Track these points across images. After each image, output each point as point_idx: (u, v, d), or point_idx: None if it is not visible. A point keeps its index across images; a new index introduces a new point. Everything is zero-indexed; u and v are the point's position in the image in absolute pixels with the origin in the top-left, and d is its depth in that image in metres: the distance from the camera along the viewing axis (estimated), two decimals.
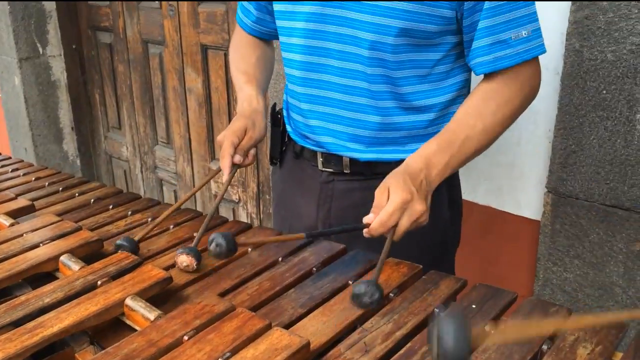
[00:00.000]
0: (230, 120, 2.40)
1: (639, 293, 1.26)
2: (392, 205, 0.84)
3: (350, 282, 0.85)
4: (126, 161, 3.03)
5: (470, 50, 0.95)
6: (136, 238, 0.95)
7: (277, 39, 1.20)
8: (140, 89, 2.76)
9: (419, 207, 0.86)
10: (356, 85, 0.98)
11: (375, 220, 0.85)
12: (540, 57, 0.98)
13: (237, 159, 1.02)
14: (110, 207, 1.14)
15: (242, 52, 1.21)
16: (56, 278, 0.86)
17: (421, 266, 0.88)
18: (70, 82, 3.03)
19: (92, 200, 1.17)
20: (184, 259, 0.87)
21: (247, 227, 1.05)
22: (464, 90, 1.04)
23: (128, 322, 0.76)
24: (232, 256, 0.85)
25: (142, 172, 2.95)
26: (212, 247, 0.83)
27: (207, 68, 2.40)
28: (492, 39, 0.91)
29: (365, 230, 0.86)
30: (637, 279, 1.24)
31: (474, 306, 0.78)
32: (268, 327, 0.69)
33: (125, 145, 3.00)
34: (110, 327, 0.77)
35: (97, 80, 3.01)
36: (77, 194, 1.20)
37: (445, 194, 1.08)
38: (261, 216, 2.37)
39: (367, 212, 1.05)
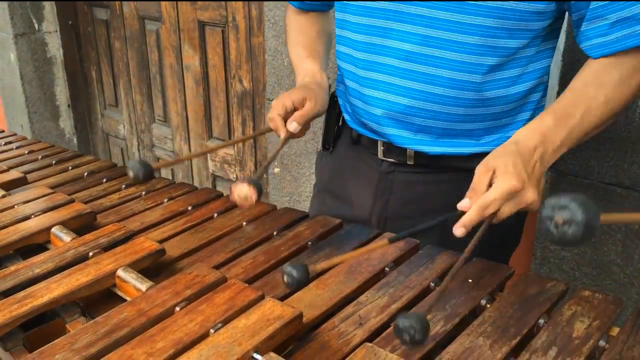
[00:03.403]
0: (227, 98, 2.37)
1: (637, 271, 1.25)
2: (497, 193, 0.71)
3: None
4: (123, 139, 3.01)
5: (583, 31, 0.82)
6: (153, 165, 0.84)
7: (329, 8, 1.10)
8: (137, 66, 2.73)
9: (530, 197, 0.73)
10: (440, 74, 0.86)
11: (473, 207, 0.72)
12: None
13: (294, 127, 0.90)
14: (104, 180, 1.12)
15: (299, 27, 1.11)
16: (48, 250, 0.84)
17: (418, 241, 0.87)
18: (67, 59, 2.99)
19: (86, 173, 1.15)
20: (244, 191, 0.74)
21: (272, 208, 1.03)
22: (546, 77, 0.94)
23: (119, 293, 0.75)
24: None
25: (139, 150, 2.93)
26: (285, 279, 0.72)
27: (205, 45, 2.36)
28: (616, 16, 0.78)
29: (457, 224, 0.72)
30: (635, 257, 1.23)
31: (470, 280, 0.78)
32: (261, 298, 0.68)
33: (122, 123, 2.98)
34: (102, 298, 0.76)
35: (94, 57, 2.98)
36: (70, 168, 1.19)
37: None
38: None
39: (428, 207, 0.96)
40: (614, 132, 1.20)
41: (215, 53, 2.33)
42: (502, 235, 0.97)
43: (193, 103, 2.51)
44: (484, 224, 0.72)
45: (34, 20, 2.86)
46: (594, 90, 0.81)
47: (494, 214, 0.73)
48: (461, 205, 0.73)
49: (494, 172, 0.73)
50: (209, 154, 2.54)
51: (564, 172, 1.29)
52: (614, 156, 1.21)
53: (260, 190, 0.77)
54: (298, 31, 1.11)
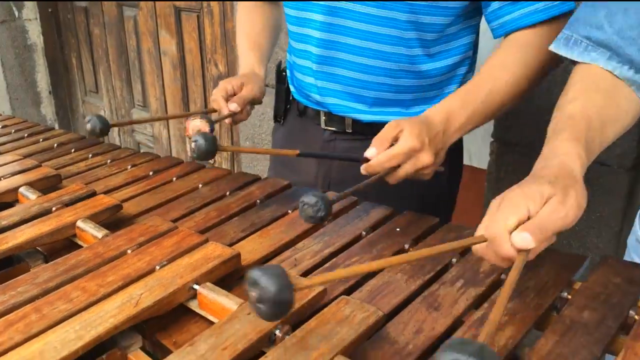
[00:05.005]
0: (204, 82, 2.44)
1: (574, 235, 1.34)
2: (398, 149, 0.82)
3: (289, 212, 0.93)
4: None
5: (489, 11, 0.91)
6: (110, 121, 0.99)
7: None
8: (116, 52, 2.79)
9: (427, 159, 0.83)
10: (371, 47, 0.96)
11: (376, 158, 0.82)
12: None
13: (234, 107, 1.02)
14: (72, 150, 1.20)
15: (248, 17, 1.20)
16: None
17: (357, 198, 0.96)
18: (47, 46, 3.05)
19: (55, 144, 1.23)
20: (197, 124, 0.86)
21: (200, 167, 1.11)
22: (470, 52, 1.01)
23: (79, 242, 0.83)
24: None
25: (119, 135, 2.99)
26: (193, 145, 0.83)
27: (181, 30, 2.43)
28: None
29: (363, 166, 0.84)
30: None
31: (398, 229, 0.86)
32: (205, 242, 0.77)
33: (102, 109, 3.04)
34: (64, 249, 0.83)
35: (74, 43, 3.03)
36: (41, 140, 1.26)
37: (446, 159, 1.03)
38: None
39: None
40: (552, 104, 1.28)
41: (191, 38, 2.40)
42: (434, 201, 1.08)
43: (171, 87, 2.58)
44: (377, 176, 0.83)
45: (14, 8, 2.91)
46: (498, 72, 0.89)
47: (395, 170, 0.83)
48: (368, 153, 0.83)
49: (401, 130, 0.83)
50: (187, 139, 2.61)
51: (508, 142, 1.38)
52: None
53: (212, 125, 0.88)
54: (246, 21, 1.20)
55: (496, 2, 0.89)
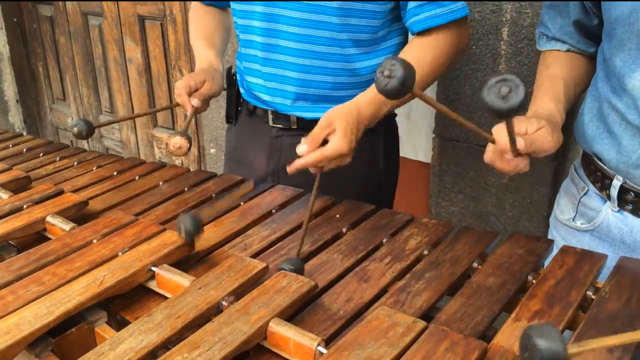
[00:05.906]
0: (169, 88, 2.52)
1: (509, 219, 1.47)
2: (328, 153, 0.89)
3: (241, 203, 1.03)
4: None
5: (405, 12, 1.04)
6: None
7: (227, 5, 1.27)
8: (82, 60, 2.85)
9: (348, 160, 0.93)
10: (308, 49, 1.06)
11: (305, 159, 0.89)
12: None
13: (196, 102, 1.09)
14: (41, 154, 1.28)
15: (200, 20, 1.29)
16: None
17: (303, 190, 1.06)
18: (13, 55, 3.08)
19: (25, 149, 1.30)
20: (178, 141, 0.92)
21: (161, 166, 1.20)
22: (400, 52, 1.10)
23: (49, 235, 0.91)
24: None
25: (88, 141, 3.05)
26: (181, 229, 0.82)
27: (145, 38, 2.51)
28: None
29: (293, 163, 0.91)
30: (506, 207, 1.46)
31: (337, 216, 0.97)
32: (162, 231, 0.86)
33: (70, 116, 3.09)
34: (35, 242, 0.92)
35: (40, 52, 3.08)
36: (10, 145, 1.33)
37: (382, 149, 1.18)
38: None
39: None
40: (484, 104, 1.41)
41: (156, 45, 2.48)
42: (373, 190, 1.19)
43: (137, 94, 2.65)
44: (318, 177, 0.91)
45: None
46: None
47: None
48: (299, 149, 0.90)
49: (333, 131, 0.91)
50: (155, 143, 2.69)
51: (448, 138, 1.50)
52: (485, 122, 1.42)
53: (190, 141, 0.95)
54: (199, 25, 1.29)
55: (410, 3, 1.03)
